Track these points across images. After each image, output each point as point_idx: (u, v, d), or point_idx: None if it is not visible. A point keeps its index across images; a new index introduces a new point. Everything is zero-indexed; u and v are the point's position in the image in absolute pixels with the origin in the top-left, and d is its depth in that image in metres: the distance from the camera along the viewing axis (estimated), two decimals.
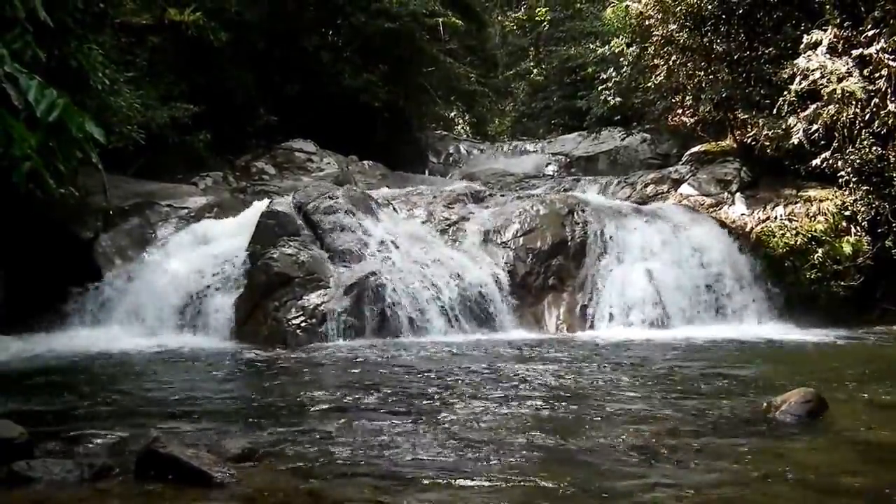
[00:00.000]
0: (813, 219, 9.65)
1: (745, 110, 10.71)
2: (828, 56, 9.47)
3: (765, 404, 4.44)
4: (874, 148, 9.39)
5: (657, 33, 11.42)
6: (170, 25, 11.03)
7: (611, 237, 9.34)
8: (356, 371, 6.07)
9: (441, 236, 9.24)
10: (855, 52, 9.43)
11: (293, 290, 7.87)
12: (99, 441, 3.70)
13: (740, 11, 10.62)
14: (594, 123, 16.78)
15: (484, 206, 9.97)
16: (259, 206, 9.23)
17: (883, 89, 9.30)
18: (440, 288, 8.23)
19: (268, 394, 5.09)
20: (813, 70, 9.45)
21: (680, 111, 12.55)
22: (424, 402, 4.75)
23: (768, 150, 10.16)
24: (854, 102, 9.36)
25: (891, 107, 9.22)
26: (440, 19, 15.35)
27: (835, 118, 9.45)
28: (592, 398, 4.87)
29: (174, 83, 11.15)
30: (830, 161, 9.63)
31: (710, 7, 10.78)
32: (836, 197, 9.73)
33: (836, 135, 9.58)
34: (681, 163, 12.33)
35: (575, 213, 9.51)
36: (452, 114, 21.62)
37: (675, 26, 11.12)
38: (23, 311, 7.58)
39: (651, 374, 5.83)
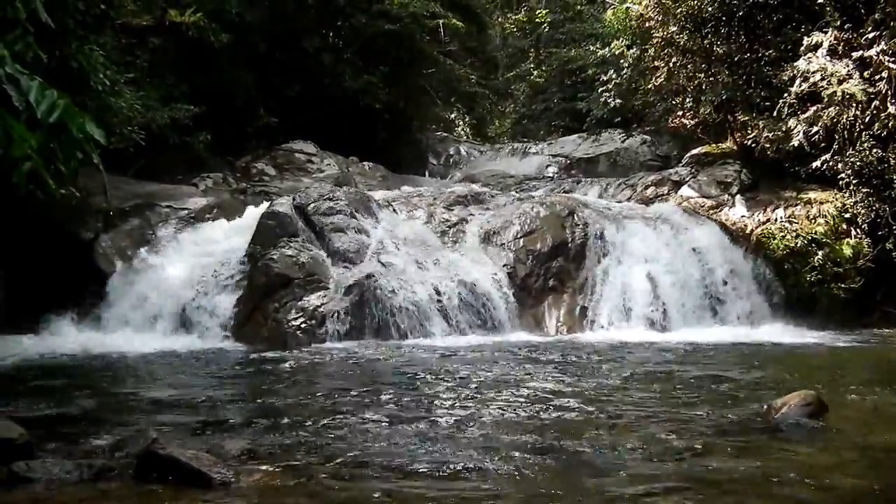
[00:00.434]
0: (813, 221, 9.65)
1: (745, 112, 10.72)
2: (828, 58, 9.49)
3: (765, 407, 4.43)
4: (874, 150, 9.40)
5: (657, 35, 11.43)
6: (170, 26, 11.04)
7: (611, 239, 9.34)
8: (356, 372, 6.07)
9: (441, 238, 9.24)
10: (855, 55, 9.44)
11: (293, 291, 7.87)
12: (98, 442, 3.70)
13: (740, 13, 10.62)
14: (594, 125, 16.77)
15: (484, 207, 9.97)
16: (259, 208, 9.24)
17: (883, 91, 9.31)
18: (440, 290, 8.24)
19: (267, 395, 5.09)
20: (813, 72, 9.46)
21: (680, 113, 12.56)
22: (424, 403, 4.75)
23: (768, 153, 10.17)
24: (854, 105, 9.37)
25: (891, 109, 9.23)
26: (441, 21, 15.38)
27: (835, 120, 9.46)
28: (592, 400, 4.87)
29: (175, 84, 11.17)
30: (831, 163, 9.64)
31: (710, 9, 10.79)
32: (837, 199, 9.74)
33: (837, 137, 9.59)
34: (681, 165, 12.33)
35: (575, 215, 9.51)
36: (453, 115, 21.65)
37: (675, 28, 11.13)
38: (23, 311, 7.58)
39: (651, 376, 5.82)
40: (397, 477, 3.24)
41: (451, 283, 8.37)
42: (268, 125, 12.92)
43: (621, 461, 3.51)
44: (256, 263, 8.17)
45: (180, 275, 8.24)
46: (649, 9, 11.54)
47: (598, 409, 4.58)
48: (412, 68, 15.59)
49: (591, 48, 17.05)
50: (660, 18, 11.33)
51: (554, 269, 8.99)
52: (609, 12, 15.68)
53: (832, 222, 9.61)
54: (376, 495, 3.02)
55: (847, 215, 9.64)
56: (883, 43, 9.28)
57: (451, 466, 3.39)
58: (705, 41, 10.98)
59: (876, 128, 9.35)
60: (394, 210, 9.66)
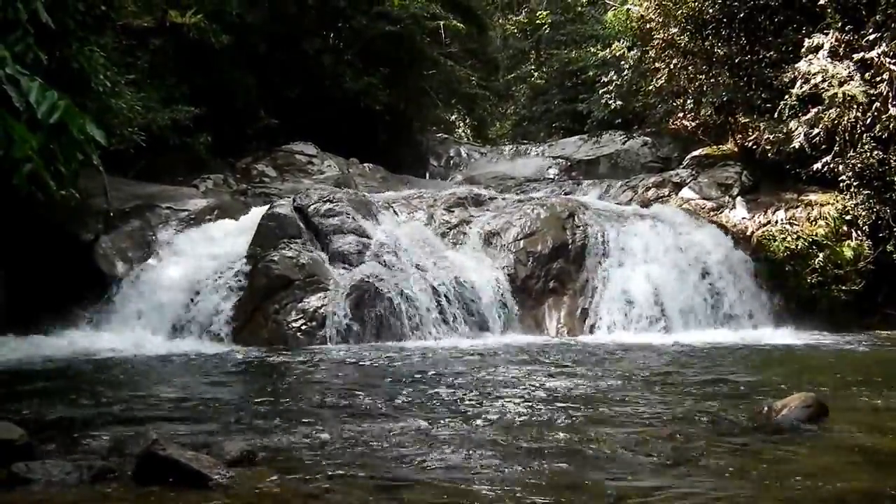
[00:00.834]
0: (814, 223, 9.65)
1: (746, 114, 10.73)
2: (829, 60, 9.49)
3: (765, 409, 4.42)
4: (875, 152, 9.40)
5: (658, 37, 11.43)
6: (171, 28, 11.06)
7: (611, 241, 9.34)
8: (356, 374, 6.07)
9: (441, 239, 9.24)
10: (856, 56, 9.45)
11: (293, 292, 7.86)
12: (98, 443, 3.70)
13: (741, 15, 10.63)
14: (595, 127, 16.78)
15: (484, 209, 9.97)
16: (259, 210, 9.24)
17: (884, 93, 9.32)
18: (440, 291, 8.23)
19: (267, 396, 5.08)
20: (814, 74, 9.47)
21: (681, 115, 12.57)
22: (424, 404, 4.74)
23: (769, 154, 10.17)
24: (855, 106, 9.37)
25: (892, 111, 9.23)
26: (441, 22, 15.38)
27: (836, 122, 9.46)
28: (592, 402, 4.86)
29: (175, 85, 11.17)
30: (831, 165, 9.64)
31: (711, 11, 10.80)
32: (837, 201, 9.74)
33: (838, 139, 9.59)
34: (682, 166, 12.33)
35: (575, 217, 9.51)
36: (453, 117, 21.65)
37: (676, 30, 11.14)
38: (23, 312, 7.57)
39: (651, 378, 5.82)
40: (397, 478, 3.24)
41: (451, 284, 8.37)
42: (268, 126, 12.92)
43: (621, 462, 3.50)
44: (257, 265, 8.17)
45: (180, 276, 8.24)
46: (650, 10, 11.55)
47: (598, 411, 4.58)
48: (412, 70, 15.60)
49: (592, 50, 17.07)
50: (660, 20, 11.33)
51: (554, 270, 8.99)
52: (610, 14, 15.70)
53: (833, 224, 9.61)
54: (376, 496, 3.02)
55: (848, 217, 9.64)
56: (884, 45, 9.28)
57: (452, 467, 3.39)
58: (706, 43, 10.98)
59: (877, 129, 9.35)
60: (394, 211, 9.66)
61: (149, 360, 6.66)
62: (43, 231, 7.92)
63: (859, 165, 9.45)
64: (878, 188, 9.51)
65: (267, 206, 9.15)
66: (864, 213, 9.53)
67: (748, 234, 9.83)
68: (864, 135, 9.45)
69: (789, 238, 9.56)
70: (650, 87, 12.26)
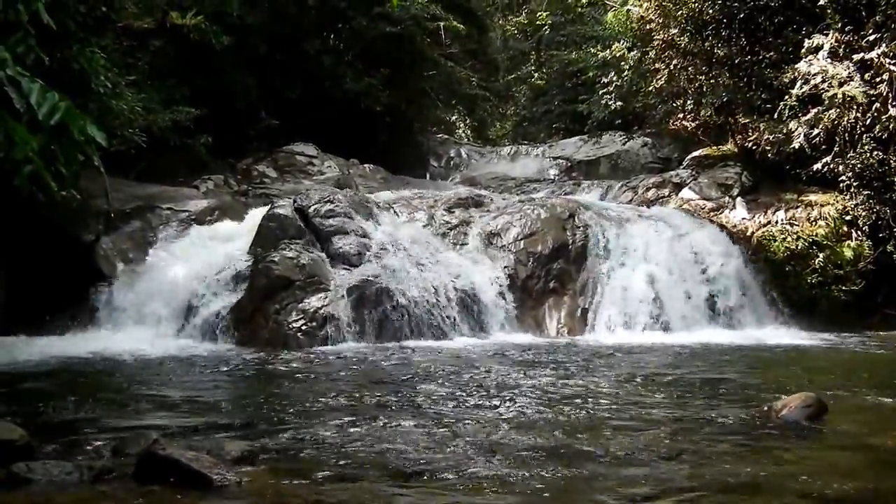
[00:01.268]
0: (814, 223, 9.65)
1: (746, 114, 10.74)
2: (829, 60, 9.49)
3: (765, 408, 4.43)
4: (875, 152, 9.41)
5: (658, 37, 11.44)
6: (171, 29, 11.06)
7: (612, 241, 9.34)
8: (357, 374, 6.07)
9: (442, 240, 9.24)
10: (856, 57, 9.45)
11: (294, 293, 7.87)
12: (99, 443, 3.70)
13: (741, 16, 10.64)
14: (595, 127, 16.80)
15: (485, 209, 9.97)
16: (260, 210, 9.25)
17: (884, 94, 9.32)
18: (440, 291, 8.24)
19: (268, 397, 5.09)
20: (814, 74, 9.47)
21: (681, 115, 12.57)
22: (425, 405, 4.75)
23: (769, 155, 10.17)
24: (855, 107, 9.38)
25: (892, 111, 9.23)
26: (441, 23, 15.38)
27: (836, 122, 9.46)
28: (593, 402, 4.87)
29: (175, 86, 11.18)
30: (831, 165, 9.64)
31: (711, 11, 10.81)
32: (838, 201, 9.74)
33: (837, 139, 9.59)
34: (682, 167, 12.34)
35: (576, 217, 9.52)
36: (453, 118, 21.67)
37: (676, 30, 11.14)
38: (24, 313, 7.58)
39: (651, 378, 5.82)
40: (398, 478, 3.24)
41: (451, 285, 8.37)
42: (268, 127, 12.93)
43: (621, 462, 3.51)
44: (257, 265, 8.18)
45: (181, 277, 8.24)
46: (650, 11, 11.56)
47: (599, 411, 4.58)
48: (413, 71, 15.60)
49: (592, 50, 17.08)
50: (660, 21, 11.34)
51: (555, 271, 8.99)
52: (610, 14, 15.71)
53: (833, 225, 9.61)
54: (377, 497, 3.02)
55: (848, 218, 9.64)
56: (884, 45, 9.29)
57: (452, 468, 3.39)
58: (706, 43, 10.99)
59: (877, 130, 9.36)
60: (394, 212, 9.66)
61: (149, 360, 6.66)
62: (44, 232, 7.92)
63: (859, 166, 9.45)
64: (878, 188, 9.51)
65: (267, 207, 9.15)
66: (864, 214, 9.53)
67: (748, 234, 9.83)
68: (864, 135, 9.45)
69: (789, 238, 9.56)
70: (650, 88, 12.27)
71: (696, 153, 12.52)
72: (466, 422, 4.28)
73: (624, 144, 15.46)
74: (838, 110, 9.40)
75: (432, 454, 3.61)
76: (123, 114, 8.27)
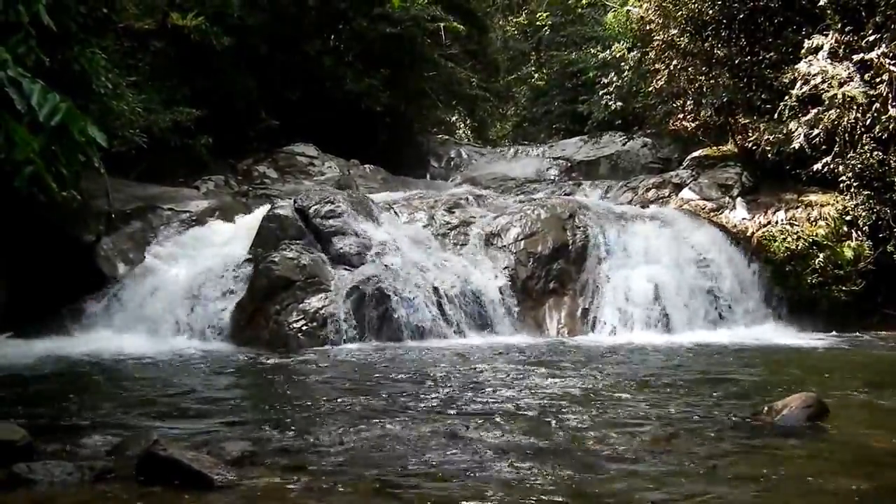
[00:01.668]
0: (814, 223, 9.65)
1: (746, 115, 10.73)
2: (829, 61, 9.49)
3: (765, 408, 4.43)
4: (875, 153, 9.40)
5: (658, 38, 11.44)
6: (172, 30, 11.06)
7: (612, 241, 9.34)
8: (357, 374, 6.08)
9: (442, 240, 9.25)
10: (856, 57, 9.45)
11: (294, 293, 7.87)
12: (99, 443, 3.71)
13: (741, 16, 10.64)
14: (595, 128, 16.79)
15: (485, 210, 9.98)
16: (260, 211, 9.26)
17: (884, 94, 9.32)
18: (441, 292, 8.24)
19: (268, 397, 5.10)
20: (814, 75, 9.47)
21: (681, 116, 12.55)
22: (425, 405, 4.75)
23: (769, 155, 10.17)
24: (855, 107, 9.37)
25: (892, 111, 9.23)
26: (441, 24, 15.37)
27: (836, 123, 9.46)
28: (593, 402, 4.87)
29: (176, 87, 11.19)
30: (831, 166, 9.64)
31: (711, 12, 10.81)
32: (838, 202, 9.74)
33: (837, 139, 9.59)
34: (682, 167, 12.34)
35: (576, 218, 9.52)
36: (454, 118, 21.66)
37: (676, 31, 11.14)
38: (24, 314, 7.59)
39: (652, 379, 5.83)
40: (398, 478, 3.25)
41: (451, 285, 8.38)
42: (269, 128, 12.93)
43: (622, 463, 3.51)
44: (258, 266, 8.19)
45: (181, 277, 8.25)
46: (650, 12, 11.55)
47: (599, 411, 4.58)
48: (413, 71, 15.60)
49: (592, 51, 17.07)
50: (660, 21, 11.34)
51: (555, 271, 9.00)
52: (610, 15, 15.71)
53: (833, 225, 9.61)
54: (378, 497, 3.03)
55: (848, 218, 9.64)
56: (883, 45, 9.29)
57: (453, 468, 3.40)
58: (706, 44, 10.99)
59: (877, 130, 9.35)
60: (395, 213, 9.67)
61: (150, 360, 6.67)
62: (44, 232, 7.92)
63: (859, 166, 9.45)
64: (878, 189, 9.51)
65: (268, 208, 9.16)
66: (864, 214, 9.53)
67: (748, 234, 9.83)
68: (864, 135, 9.45)
69: (789, 238, 9.56)
70: (650, 89, 12.26)
71: (696, 153, 12.51)
72: (467, 422, 4.28)
73: (624, 145, 15.45)
74: (838, 111, 9.40)
75: (432, 454, 3.61)
76: (124, 114, 8.28)
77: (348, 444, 3.80)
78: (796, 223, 9.71)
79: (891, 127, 9.24)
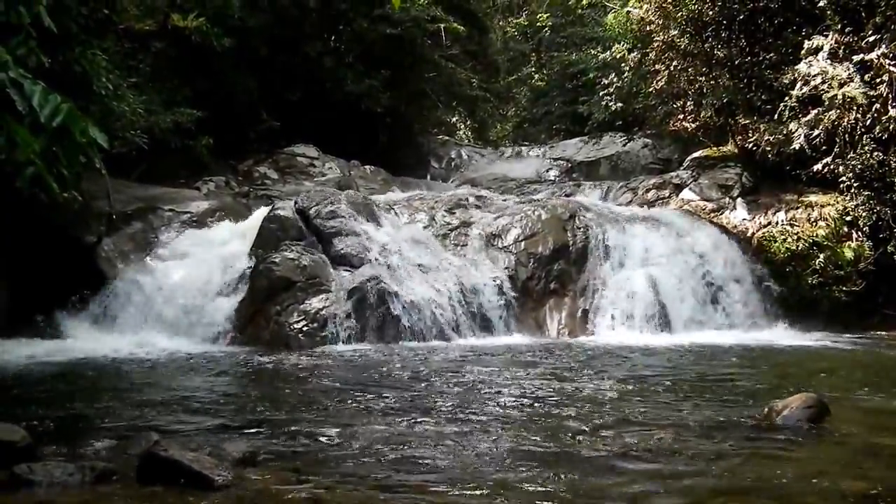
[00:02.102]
0: (814, 224, 9.65)
1: (746, 115, 10.73)
2: (829, 61, 9.50)
3: (766, 409, 4.43)
4: (875, 153, 9.41)
5: (658, 39, 11.44)
6: (173, 31, 11.08)
7: (612, 242, 9.35)
8: (357, 375, 6.08)
9: (442, 241, 9.25)
10: (856, 58, 9.45)
11: (295, 294, 7.88)
12: (100, 444, 3.71)
13: (741, 17, 10.65)
14: (595, 129, 16.80)
15: (485, 210, 9.98)
16: (261, 212, 9.26)
17: (884, 94, 9.32)
18: (441, 293, 8.25)
19: (269, 398, 5.10)
20: (814, 75, 9.47)
21: (681, 116, 12.56)
22: (426, 406, 4.75)
23: (769, 156, 10.17)
24: (855, 108, 9.38)
25: (892, 112, 9.23)
26: (442, 25, 15.39)
27: (836, 123, 9.46)
28: (594, 403, 4.87)
29: (177, 88, 11.20)
30: (832, 166, 9.64)
31: (711, 13, 10.82)
32: (838, 202, 9.74)
33: (838, 140, 9.59)
34: (682, 168, 12.34)
35: (576, 218, 9.53)
36: (454, 119, 21.67)
37: (676, 32, 11.15)
38: (25, 315, 7.60)
39: (651, 379, 5.83)
40: (399, 479, 3.25)
41: (452, 286, 8.38)
42: (270, 129, 12.95)
43: (623, 464, 3.51)
44: (258, 267, 8.19)
45: (182, 278, 8.25)
46: (650, 13, 11.56)
47: (600, 412, 4.59)
48: (413, 72, 15.61)
49: (592, 52, 17.08)
50: (661, 22, 11.34)
51: (555, 272, 9.00)
52: (610, 16, 15.72)
53: (833, 225, 9.61)
54: (379, 497, 3.03)
55: (848, 218, 9.64)
56: (883, 46, 9.29)
57: (453, 469, 3.40)
58: (706, 45, 11.00)
59: (877, 131, 9.36)
60: (395, 213, 9.67)
61: (150, 361, 6.67)
62: (45, 233, 7.94)
63: (859, 167, 9.45)
64: (878, 189, 9.51)
65: (268, 209, 9.16)
66: (864, 214, 9.54)
67: (749, 235, 9.83)
68: (864, 136, 9.46)
69: (790, 239, 9.56)
70: (650, 89, 12.27)
71: (696, 154, 12.51)
72: (466, 423, 4.28)
73: (624, 146, 15.46)
74: (838, 111, 9.40)
75: (433, 455, 3.61)
76: (125, 115, 8.29)
77: (349, 444, 3.80)
78: (796, 224, 9.71)
79: (891, 127, 9.25)
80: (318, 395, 5.21)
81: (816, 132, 9.56)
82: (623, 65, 13.26)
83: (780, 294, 9.30)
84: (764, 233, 9.77)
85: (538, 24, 21.52)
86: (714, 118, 11.54)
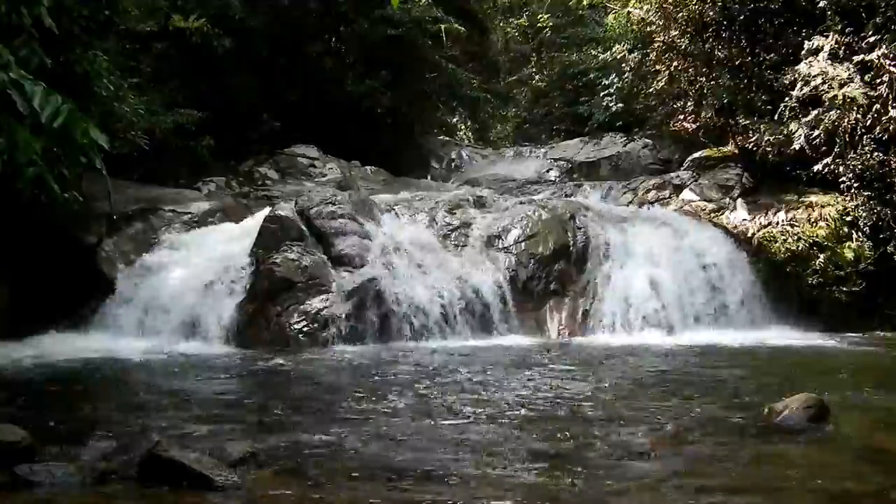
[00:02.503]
0: (814, 224, 9.65)
1: (746, 116, 10.72)
2: (829, 62, 9.49)
3: (766, 410, 4.43)
4: (875, 154, 9.40)
5: (659, 39, 11.44)
6: (174, 32, 11.09)
7: (613, 242, 9.34)
8: (358, 376, 6.08)
9: (443, 241, 9.24)
10: (856, 58, 9.45)
11: (296, 294, 7.89)
12: (101, 445, 3.71)
13: (742, 18, 10.64)
14: (596, 129, 16.78)
15: (486, 211, 9.98)
16: (262, 212, 9.26)
17: (884, 95, 9.32)
18: (442, 293, 8.25)
19: (270, 398, 5.10)
20: (814, 76, 9.47)
21: (682, 117, 12.55)
22: (426, 406, 4.76)
23: (770, 156, 10.16)
24: (855, 108, 9.37)
25: (892, 112, 9.23)
26: (442, 26, 15.39)
27: (836, 124, 9.46)
28: (594, 403, 4.87)
29: (178, 89, 11.20)
30: (832, 167, 9.64)
31: (711, 14, 10.82)
32: (838, 202, 9.74)
33: (838, 140, 9.59)
34: (682, 168, 12.34)
35: (577, 219, 9.52)
36: (455, 120, 21.66)
37: (676, 32, 11.15)
38: (26, 315, 7.60)
39: (652, 380, 5.83)
40: (399, 480, 3.25)
41: (452, 286, 8.38)
42: (270, 130, 12.95)
43: (622, 464, 3.51)
44: (259, 267, 8.19)
45: (183, 279, 8.25)
46: (651, 13, 11.56)
47: (601, 412, 4.59)
48: (414, 73, 15.61)
49: (593, 52, 17.06)
50: (661, 23, 11.34)
51: (556, 272, 9.00)
52: (610, 17, 15.71)
53: (834, 226, 9.61)
54: (380, 498, 3.03)
55: (848, 219, 9.63)
56: (884, 47, 9.29)
57: (455, 470, 3.40)
58: (706, 45, 10.99)
59: (877, 131, 9.35)
60: (396, 214, 9.67)
61: (151, 362, 6.68)
62: (46, 234, 7.94)
63: (860, 167, 9.45)
64: (878, 190, 9.51)
65: (269, 209, 9.16)
66: (864, 215, 9.53)
67: (749, 235, 9.83)
68: (865, 136, 9.45)
69: (790, 239, 9.56)
70: (651, 90, 12.26)
71: (696, 155, 12.50)
72: (468, 424, 4.29)
73: (625, 146, 15.45)
74: (839, 112, 9.39)
75: (434, 456, 3.62)
76: (126, 116, 8.29)
77: (350, 445, 3.80)
78: (797, 224, 9.71)
79: (891, 128, 9.24)
80: (319, 395, 5.22)
81: (817, 132, 9.56)
82: (623, 65, 13.25)
83: (781, 294, 9.29)
84: (764, 233, 9.76)
85: (539, 24, 21.50)
86: (714, 119, 11.53)
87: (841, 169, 9.60)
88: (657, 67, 11.70)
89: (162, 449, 3.17)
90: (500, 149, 18.97)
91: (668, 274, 9.11)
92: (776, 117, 10.02)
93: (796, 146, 9.67)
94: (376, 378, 5.89)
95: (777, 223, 9.80)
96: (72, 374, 6.03)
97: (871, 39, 9.41)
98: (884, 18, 9.40)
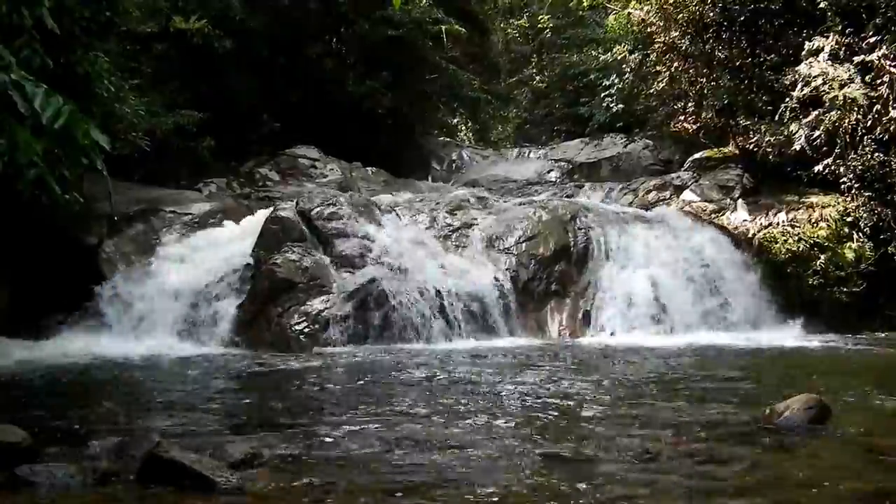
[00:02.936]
0: (815, 225, 9.65)
1: (747, 117, 10.73)
2: (829, 63, 9.50)
3: (767, 410, 4.42)
4: (876, 154, 9.41)
5: (659, 40, 11.45)
6: (175, 33, 11.11)
7: (613, 243, 9.35)
8: (359, 377, 6.08)
9: (444, 242, 9.25)
10: (857, 59, 9.46)
11: (296, 295, 7.89)
12: (102, 446, 3.71)
13: (742, 18, 10.65)
14: (596, 130, 16.79)
15: (486, 212, 9.98)
16: (263, 213, 9.27)
17: (885, 95, 9.32)
18: (443, 294, 8.25)
19: (271, 399, 5.10)
20: (815, 77, 9.48)
21: (682, 118, 12.55)
22: (427, 407, 4.76)
23: (770, 157, 10.17)
24: (856, 109, 9.38)
25: (893, 113, 9.23)
26: (443, 27, 15.40)
27: (837, 124, 9.46)
28: (594, 404, 4.87)
29: (179, 90, 11.22)
30: (832, 167, 9.64)
31: (711, 14, 10.82)
32: (839, 203, 9.74)
33: (838, 141, 9.59)
34: (683, 169, 12.34)
35: (577, 220, 9.53)
36: (455, 120, 21.69)
37: (676, 33, 11.15)
38: (27, 316, 7.60)
39: (653, 381, 5.83)
40: (400, 481, 3.25)
41: (453, 287, 8.38)
42: (271, 131, 12.96)
43: (622, 465, 3.51)
44: (260, 268, 8.20)
45: (184, 279, 8.26)
46: (651, 14, 11.57)
47: (601, 413, 4.59)
48: (415, 74, 15.63)
49: (593, 53, 17.08)
50: (661, 24, 11.35)
51: (556, 273, 9.00)
52: (611, 18, 15.72)
53: (834, 226, 9.61)
54: (380, 499, 3.03)
55: (849, 219, 9.64)
56: (884, 47, 9.30)
57: (456, 471, 3.40)
58: (707, 46, 11.00)
59: (878, 132, 9.36)
60: (397, 215, 9.68)
61: (152, 362, 6.68)
62: (47, 235, 7.95)
63: (860, 167, 9.45)
64: (879, 190, 9.51)
65: (270, 210, 9.17)
66: (865, 215, 9.53)
67: (749, 236, 9.83)
68: (865, 137, 9.46)
69: (791, 240, 9.56)
70: (651, 91, 12.27)
71: (697, 155, 12.51)
72: (468, 424, 4.28)
73: (625, 147, 15.45)
74: (839, 112, 9.40)
75: (435, 458, 3.61)
76: (127, 117, 8.31)
77: (351, 446, 3.80)
78: (797, 225, 9.71)
79: (892, 128, 9.25)
80: (320, 396, 5.22)
81: (817, 133, 9.56)
82: (624, 66, 13.27)
83: (781, 295, 9.29)
84: (765, 234, 9.76)
85: (539, 25, 21.51)
86: (715, 119, 11.54)
87: (841, 170, 9.60)
88: (657, 68, 11.72)
89: (163, 450, 3.17)
90: (500, 150, 18.98)
91: (669, 275, 9.12)
92: (777, 118, 10.02)
93: (797, 147, 9.67)
94: (377, 379, 5.89)
95: (778, 224, 9.80)
96: (72, 375, 6.04)
97: (872, 40, 9.42)
98: (884, 19, 9.41)
